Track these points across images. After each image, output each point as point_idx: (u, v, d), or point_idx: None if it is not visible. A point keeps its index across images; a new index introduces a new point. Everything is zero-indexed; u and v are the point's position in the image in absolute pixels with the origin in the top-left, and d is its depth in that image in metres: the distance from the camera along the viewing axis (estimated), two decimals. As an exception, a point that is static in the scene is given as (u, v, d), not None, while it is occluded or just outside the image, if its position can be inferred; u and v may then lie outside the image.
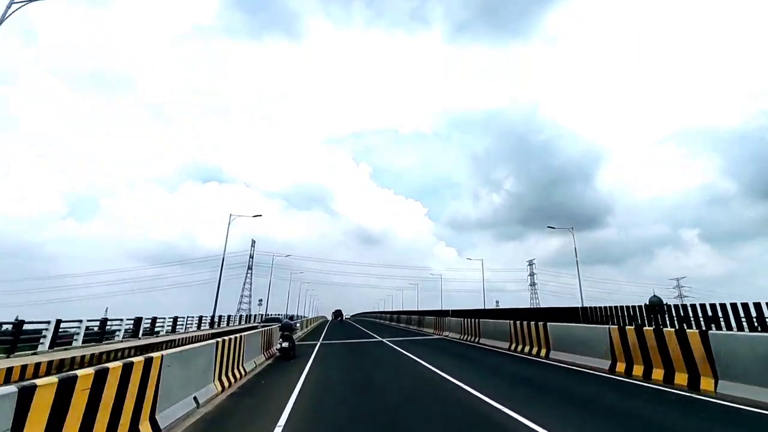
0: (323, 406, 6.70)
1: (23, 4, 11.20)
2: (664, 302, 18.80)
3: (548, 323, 11.80)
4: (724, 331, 7.70)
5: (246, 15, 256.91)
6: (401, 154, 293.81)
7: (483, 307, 46.74)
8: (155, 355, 5.24)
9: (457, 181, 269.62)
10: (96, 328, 16.60)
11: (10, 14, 11.04)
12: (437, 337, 21.17)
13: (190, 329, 25.48)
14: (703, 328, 8.33)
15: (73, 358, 11.10)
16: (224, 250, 30.17)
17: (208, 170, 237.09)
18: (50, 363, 10.08)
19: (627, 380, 7.94)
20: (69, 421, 3.44)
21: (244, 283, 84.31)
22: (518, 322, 13.47)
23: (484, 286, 58.61)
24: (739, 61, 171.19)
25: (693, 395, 6.55)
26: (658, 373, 7.63)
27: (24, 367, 9.27)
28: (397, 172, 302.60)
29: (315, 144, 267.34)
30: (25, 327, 12.17)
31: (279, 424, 5.44)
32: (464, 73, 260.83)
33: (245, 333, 10.37)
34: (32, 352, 12.10)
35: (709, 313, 8.99)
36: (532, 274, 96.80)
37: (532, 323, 12.59)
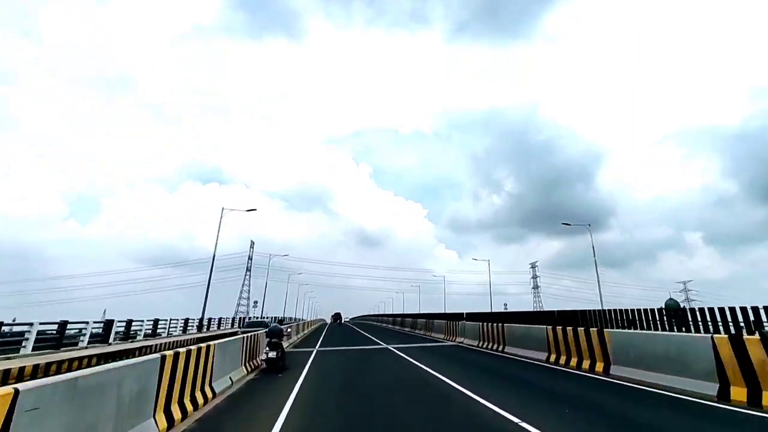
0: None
1: None
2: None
3: (607, 330, 9.33)
4: None
5: (246, 15, 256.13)
6: (401, 155, 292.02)
7: (490, 310, 44.24)
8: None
9: (457, 181, 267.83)
10: (56, 332, 14.16)
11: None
12: (450, 343, 18.66)
13: (174, 333, 22.98)
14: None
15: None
16: (215, 247, 27.75)
17: (208, 171, 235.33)
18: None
19: None
20: None
21: (243, 285, 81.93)
22: (560, 328, 10.99)
23: (491, 289, 56.09)
24: (739, 60, 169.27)
25: None
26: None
27: None
28: (397, 173, 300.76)
29: (315, 144, 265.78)
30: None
31: None
32: (464, 72, 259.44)
33: (218, 342, 7.91)
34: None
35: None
36: (535, 277, 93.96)
37: (580, 329, 10.12)
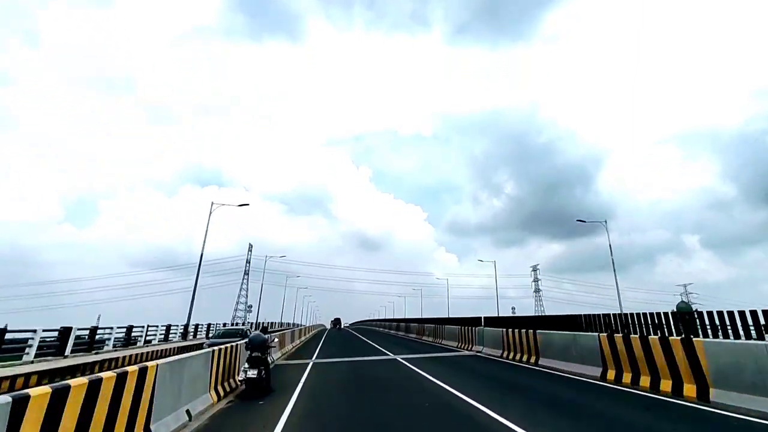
0: None
1: None
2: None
3: (697, 339, 6.97)
4: None
5: (246, 16, 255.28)
6: (401, 157, 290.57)
7: (497, 314, 41.69)
8: None
9: (457, 184, 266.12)
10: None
11: None
12: (467, 353, 16.24)
13: (153, 342, 20.48)
14: None
15: None
16: (203, 245, 25.31)
17: (207, 174, 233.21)
18: None
19: None
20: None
21: (241, 290, 79.37)
22: (620, 337, 8.62)
23: (497, 292, 53.57)
24: (739, 62, 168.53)
25: None
26: None
27: None
28: (397, 176, 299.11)
29: (315, 147, 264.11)
30: None
31: None
32: (464, 74, 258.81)
33: (167, 361, 5.52)
34: None
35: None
36: (536, 280, 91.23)
37: (653, 338, 7.76)
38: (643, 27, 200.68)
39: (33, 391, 3.09)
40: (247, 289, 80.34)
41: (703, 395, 6.58)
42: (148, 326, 19.81)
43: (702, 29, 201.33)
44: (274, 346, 11.37)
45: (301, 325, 55.06)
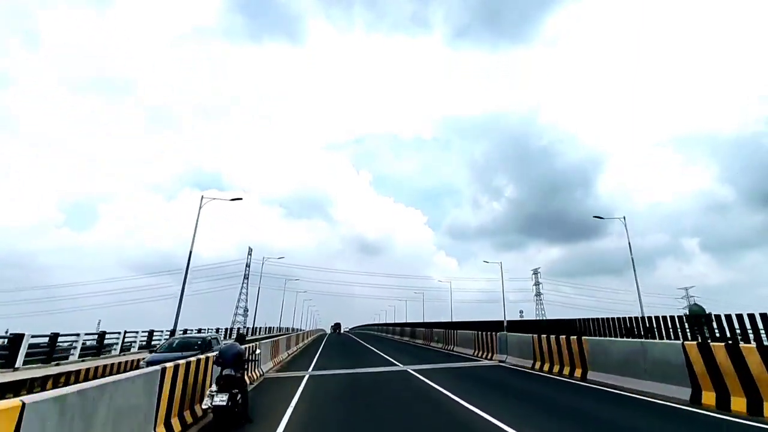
0: None
1: None
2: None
3: None
4: None
5: (246, 17, 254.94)
6: (401, 161, 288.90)
7: (504, 318, 39.36)
8: None
9: (456, 188, 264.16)
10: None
11: None
12: (487, 363, 14.00)
13: (133, 349, 18.23)
14: None
15: None
16: (192, 244, 23.09)
17: (206, 177, 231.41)
18: None
19: None
20: None
21: (240, 294, 77.21)
22: (720, 346, 6.42)
23: (504, 296, 51.16)
24: (738, 66, 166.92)
25: None
26: None
27: None
28: (397, 179, 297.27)
29: (315, 150, 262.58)
30: None
31: None
32: (464, 77, 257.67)
33: (55, 394, 3.37)
34: None
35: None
36: (537, 284, 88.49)
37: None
38: (643, 30, 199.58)
39: None
40: (247, 293, 78.19)
41: None
42: (126, 332, 17.56)
43: (701, 33, 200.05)
44: (256, 360, 9.14)
45: (299, 330, 52.76)
